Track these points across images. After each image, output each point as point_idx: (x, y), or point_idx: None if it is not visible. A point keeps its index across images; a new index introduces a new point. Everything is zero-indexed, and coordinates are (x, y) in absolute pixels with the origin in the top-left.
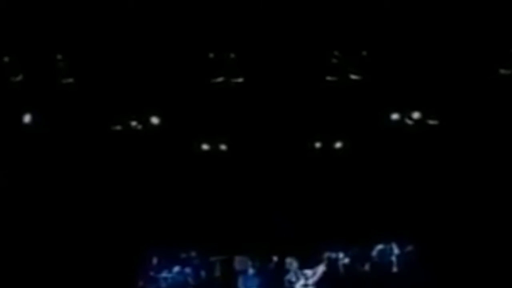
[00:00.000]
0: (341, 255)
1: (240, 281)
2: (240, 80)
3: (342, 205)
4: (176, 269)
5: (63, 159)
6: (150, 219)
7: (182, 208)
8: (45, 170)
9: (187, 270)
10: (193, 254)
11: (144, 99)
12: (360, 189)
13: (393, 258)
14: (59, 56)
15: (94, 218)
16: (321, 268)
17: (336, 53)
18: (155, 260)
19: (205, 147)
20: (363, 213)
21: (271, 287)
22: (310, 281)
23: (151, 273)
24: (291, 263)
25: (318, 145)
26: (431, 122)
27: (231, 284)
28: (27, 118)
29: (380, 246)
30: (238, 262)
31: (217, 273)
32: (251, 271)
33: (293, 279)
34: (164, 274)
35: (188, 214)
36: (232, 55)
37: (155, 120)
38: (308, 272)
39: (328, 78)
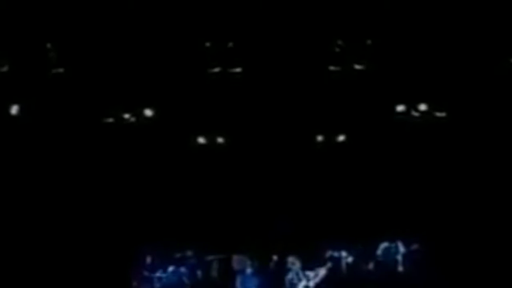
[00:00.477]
0: (344, 253)
1: (238, 281)
2: (238, 70)
3: (346, 202)
4: (171, 268)
5: (52, 153)
6: (144, 216)
7: (177, 205)
8: (33, 165)
9: (182, 269)
10: (188, 253)
11: (137, 90)
12: (364, 184)
13: (399, 257)
14: (48, 45)
15: (85, 215)
16: (322, 271)
17: (339, 41)
18: (149, 259)
19: (201, 141)
20: (367, 210)
21: (271, 287)
22: (312, 283)
23: (145, 273)
24: (294, 262)
25: (320, 138)
26: (438, 114)
27: (228, 284)
28: (14, 110)
29: (385, 244)
30: (236, 261)
31: (214, 273)
32: (249, 270)
33: (295, 280)
34: (159, 273)
35: (183, 211)
36: (230, 44)
37: (148, 112)
38: (310, 273)
39: (331, 68)
